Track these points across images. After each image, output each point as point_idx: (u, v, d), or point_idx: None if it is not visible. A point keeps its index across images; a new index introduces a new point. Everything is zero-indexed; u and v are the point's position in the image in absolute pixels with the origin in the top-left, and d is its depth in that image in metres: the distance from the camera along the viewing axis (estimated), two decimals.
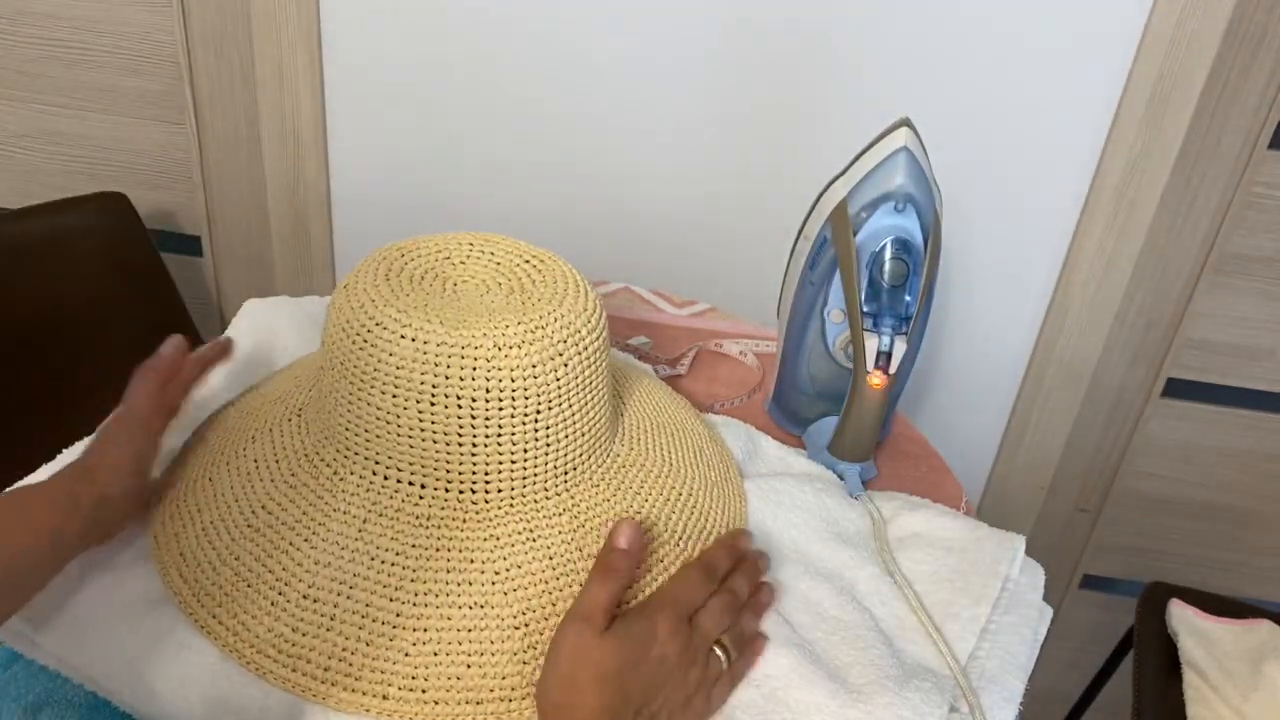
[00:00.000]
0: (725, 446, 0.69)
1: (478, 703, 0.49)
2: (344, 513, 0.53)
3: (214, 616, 0.51)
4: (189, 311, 1.11)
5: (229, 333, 0.75)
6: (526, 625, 0.51)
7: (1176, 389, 1.11)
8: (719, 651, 0.51)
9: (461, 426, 0.51)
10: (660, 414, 0.66)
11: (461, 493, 0.53)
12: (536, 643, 0.51)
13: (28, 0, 1.04)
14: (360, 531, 0.52)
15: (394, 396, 0.51)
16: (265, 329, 0.75)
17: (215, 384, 0.70)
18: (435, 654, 0.50)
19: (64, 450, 0.62)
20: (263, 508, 0.54)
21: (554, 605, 0.52)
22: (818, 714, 0.51)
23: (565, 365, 0.53)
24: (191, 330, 1.11)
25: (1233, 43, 0.90)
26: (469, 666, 0.49)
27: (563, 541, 0.54)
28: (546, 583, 0.52)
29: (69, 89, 1.09)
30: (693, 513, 0.59)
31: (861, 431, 0.68)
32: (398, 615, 0.50)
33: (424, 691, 0.49)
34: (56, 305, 0.99)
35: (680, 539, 0.57)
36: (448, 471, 0.52)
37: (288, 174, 1.10)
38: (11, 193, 1.16)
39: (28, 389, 0.97)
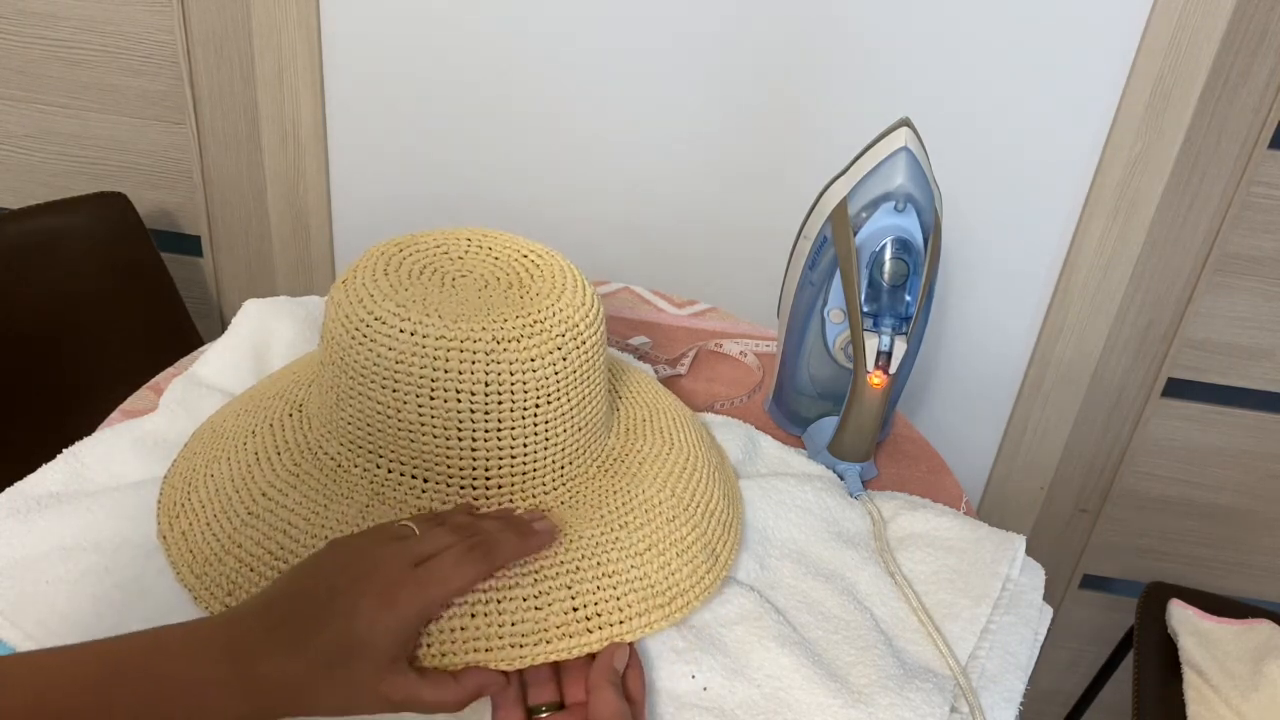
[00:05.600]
0: (717, 443, 0.69)
1: (487, 650, 0.48)
2: (346, 498, 0.53)
3: (224, 606, 0.51)
4: (189, 311, 1.11)
5: (229, 332, 0.75)
6: (538, 572, 0.50)
7: (1176, 389, 1.11)
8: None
9: (461, 421, 0.51)
10: (658, 402, 0.66)
11: (463, 487, 0.53)
12: (550, 589, 0.50)
13: (28, 0, 1.04)
14: (363, 513, 0.52)
15: (394, 391, 0.51)
16: (265, 329, 0.75)
17: (216, 385, 0.70)
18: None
19: (64, 449, 0.62)
20: (263, 495, 0.54)
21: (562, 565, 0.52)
22: (819, 714, 0.51)
23: (564, 359, 0.53)
24: (191, 330, 1.11)
25: (1233, 43, 0.90)
26: (474, 616, 0.48)
27: (560, 519, 0.54)
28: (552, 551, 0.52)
29: (69, 89, 1.09)
30: (688, 486, 0.59)
31: (861, 431, 0.68)
32: None
33: (429, 646, 0.47)
34: (56, 305, 0.99)
35: (672, 518, 0.57)
36: (448, 466, 0.52)
37: (288, 174, 1.10)
38: (11, 193, 1.16)
39: (28, 388, 0.97)
